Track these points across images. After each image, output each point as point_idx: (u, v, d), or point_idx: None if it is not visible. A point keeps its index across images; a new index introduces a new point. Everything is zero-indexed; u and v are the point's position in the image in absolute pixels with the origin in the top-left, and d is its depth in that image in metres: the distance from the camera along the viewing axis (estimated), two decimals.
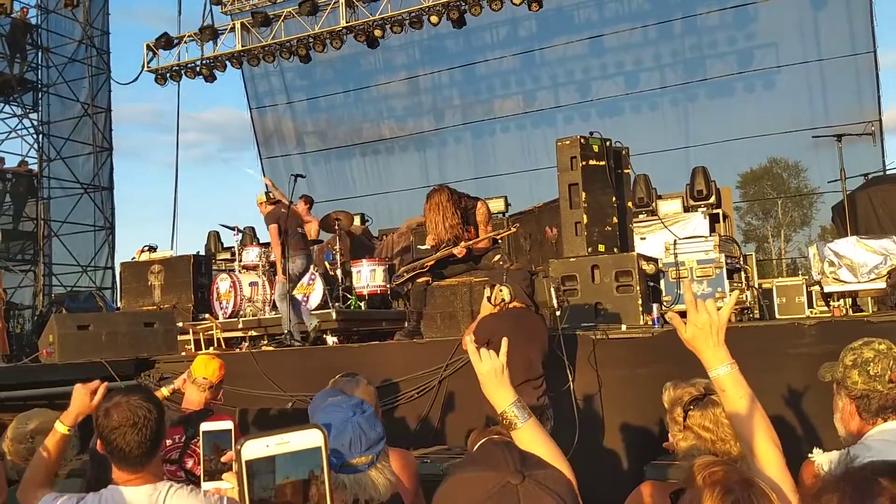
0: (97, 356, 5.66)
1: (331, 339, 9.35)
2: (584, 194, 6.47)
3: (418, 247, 10.07)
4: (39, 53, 18.17)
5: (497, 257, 6.13)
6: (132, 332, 6.68)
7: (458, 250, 6.06)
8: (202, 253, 12.55)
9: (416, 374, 5.73)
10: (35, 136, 18.28)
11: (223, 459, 1.61)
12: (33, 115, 18.30)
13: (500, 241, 6.39)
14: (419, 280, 6.42)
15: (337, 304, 9.69)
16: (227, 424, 1.73)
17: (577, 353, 5.48)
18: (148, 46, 15.54)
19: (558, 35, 16.18)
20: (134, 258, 12.26)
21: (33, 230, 17.16)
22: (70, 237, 17.97)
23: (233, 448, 1.54)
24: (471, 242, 6.08)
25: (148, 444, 2.20)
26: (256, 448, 1.13)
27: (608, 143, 6.83)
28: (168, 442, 3.45)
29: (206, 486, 1.67)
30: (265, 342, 9.26)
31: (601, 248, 6.51)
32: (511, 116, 16.98)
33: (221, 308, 10.17)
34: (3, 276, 16.01)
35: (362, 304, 10.16)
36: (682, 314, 1.85)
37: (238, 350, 9.02)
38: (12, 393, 5.59)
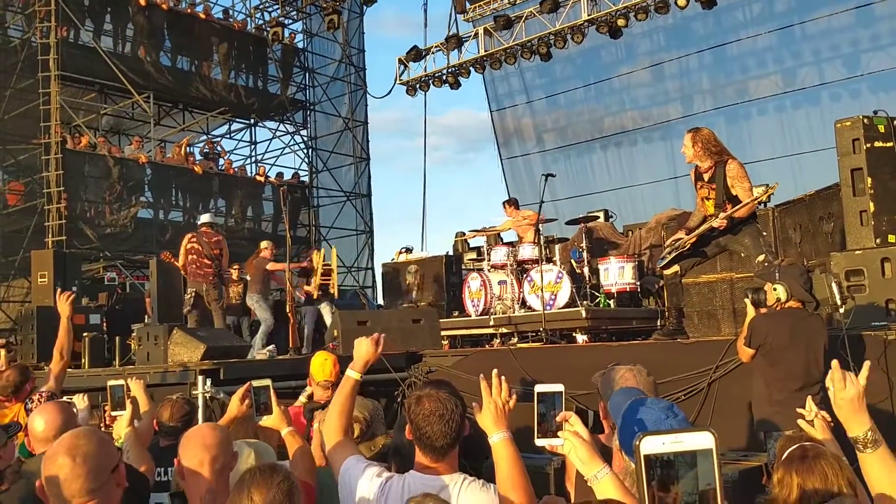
0: None
1: (581, 338, 9.30)
2: (869, 180, 5.79)
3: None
4: (306, 75, 20.21)
5: (762, 257, 5.53)
6: (403, 328, 7.19)
7: (719, 222, 5.56)
8: (451, 253, 13.10)
9: (682, 376, 5.47)
10: (305, 150, 20.40)
11: (557, 419, 1.73)
12: (303, 132, 20.43)
13: (765, 199, 5.62)
14: (668, 272, 6.09)
15: (585, 301, 9.61)
16: (559, 387, 1.80)
17: (863, 356, 4.92)
18: (400, 60, 16.61)
19: (820, 7, 14.84)
20: (393, 259, 13.14)
21: (306, 236, 19.13)
22: (336, 241, 19.81)
23: (563, 408, 1.76)
24: (730, 212, 5.52)
25: (452, 436, 2.31)
26: (653, 444, 1.22)
27: (895, 122, 6.06)
28: None
29: (539, 442, 1.80)
30: (515, 339, 9.44)
31: (891, 238, 5.79)
32: (769, 97, 15.80)
33: (473, 306, 10.50)
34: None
35: (611, 301, 9.97)
36: None
37: (491, 346, 9.33)
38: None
